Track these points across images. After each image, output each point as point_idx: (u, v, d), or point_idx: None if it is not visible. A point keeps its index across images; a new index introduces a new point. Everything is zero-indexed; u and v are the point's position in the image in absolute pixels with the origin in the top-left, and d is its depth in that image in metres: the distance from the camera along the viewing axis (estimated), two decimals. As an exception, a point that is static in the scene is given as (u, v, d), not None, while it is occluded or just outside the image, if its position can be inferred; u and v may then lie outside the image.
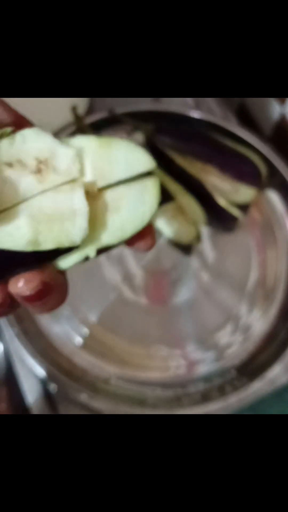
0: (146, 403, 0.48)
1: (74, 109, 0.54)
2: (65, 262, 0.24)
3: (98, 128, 0.55)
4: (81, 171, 0.24)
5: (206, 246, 0.55)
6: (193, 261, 0.54)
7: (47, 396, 0.48)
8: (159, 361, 0.51)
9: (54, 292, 0.24)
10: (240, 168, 0.54)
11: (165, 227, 0.53)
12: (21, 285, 0.23)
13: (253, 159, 0.55)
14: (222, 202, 0.54)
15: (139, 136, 0.57)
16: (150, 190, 0.25)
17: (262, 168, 0.55)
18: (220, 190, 0.54)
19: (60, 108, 0.54)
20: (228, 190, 0.54)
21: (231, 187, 0.54)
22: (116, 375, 0.50)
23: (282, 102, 0.55)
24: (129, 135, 0.57)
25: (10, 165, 0.24)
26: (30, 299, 0.23)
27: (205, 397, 0.48)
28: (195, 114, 0.57)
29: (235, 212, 0.54)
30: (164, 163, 0.55)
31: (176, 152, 0.55)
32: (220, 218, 0.54)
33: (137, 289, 0.53)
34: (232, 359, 0.51)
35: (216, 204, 0.53)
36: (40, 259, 0.24)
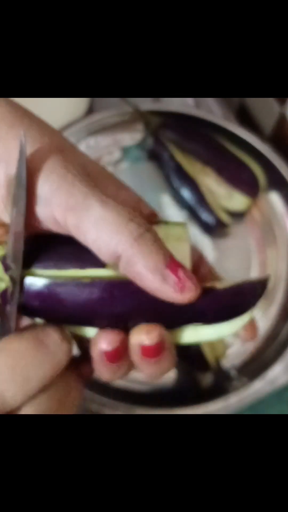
0: (146, 403, 0.48)
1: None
2: (187, 336, 0.26)
3: (97, 127, 0.56)
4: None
5: (207, 246, 0.55)
6: (193, 261, 0.54)
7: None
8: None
9: (166, 353, 0.25)
10: (237, 174, 0.55)
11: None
12: (143, 335, 0.24)
13: (253, 168, 0.55)
14: (213, 204, 0.54)
15: (140, 126, 0.56)
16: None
17: (261, 179, 0.55)
18: (214, 194, 0.54)
19: (60, 108, 0.54)
20: (222, 195, 0.54)
21: (225, 192, 0.54)
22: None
23: (282, 102, 0.55)
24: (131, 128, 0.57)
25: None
26: (148, 351, 0.24)
27: (205, 397, 0.48)
28: (195, 114, 0.57)
29: (224, 217, 0.54)
30: (164, 157, 0.55)
31: (178, 149, 0.55)
32: (208, 221, 0.54)
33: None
34: (232, 359, 0.51)
35: (206, 205, 0.53)
36: (171, 320, 0.25)
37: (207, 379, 0.50)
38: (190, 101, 0.62)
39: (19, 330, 0.25)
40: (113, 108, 0.56)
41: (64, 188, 0.23)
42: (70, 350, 0.25)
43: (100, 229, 0.22)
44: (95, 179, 0.24)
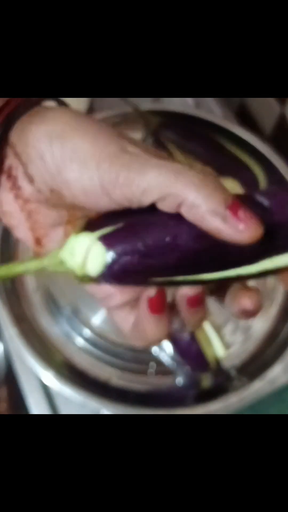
0: (146, 403, 0.48)
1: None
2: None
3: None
4: None
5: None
6: (193, 261, 0.54)
7: (47, 396, 0.48)
8: (160, 361, 0.51)
9: (203, 305, 0.26)
10: (238, 174, 0.55)
11: None
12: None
13: (253, 168, 0.55)
14: None
15: (140, 125, 0.56)
16: None
17: (261, 179, 0.55)
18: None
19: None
20: None
21: None
22: (117, 375, 0.50)
23: (282, 102, 0.55)
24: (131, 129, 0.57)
25: None
26: (192, 301, 0.25)
27: (205, 397, 0.48)
28: (195, 114, 0.57)
29: None
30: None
31: (178, 148, 0.55)
32: None
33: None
34: (232, 359, 0.51)
35: None
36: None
37: (207, 379, 0.50)
38: (190, 101, 0.62)
39: None
40: (113, 108, 0.56)
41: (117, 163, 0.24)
42: None
43: (161, 177, 0.24)
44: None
